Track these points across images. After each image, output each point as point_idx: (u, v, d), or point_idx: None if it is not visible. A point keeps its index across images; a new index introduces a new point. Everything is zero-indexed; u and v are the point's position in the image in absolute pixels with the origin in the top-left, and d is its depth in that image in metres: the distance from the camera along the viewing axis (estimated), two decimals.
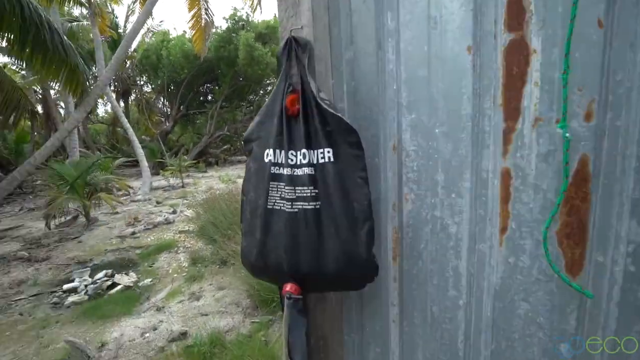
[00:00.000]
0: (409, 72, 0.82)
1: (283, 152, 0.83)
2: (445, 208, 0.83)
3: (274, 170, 0.84)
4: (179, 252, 4.68)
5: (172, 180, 10.30)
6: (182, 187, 9.69)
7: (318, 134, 0.81)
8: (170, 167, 10.35)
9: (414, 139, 0.84)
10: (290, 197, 0.81)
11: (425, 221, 0.87)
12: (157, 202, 7.76)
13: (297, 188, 0.81)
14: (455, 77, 0.76)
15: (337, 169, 0.80)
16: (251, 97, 16.02)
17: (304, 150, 0.81)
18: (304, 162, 0.81)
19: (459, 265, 0.84)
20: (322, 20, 0.89)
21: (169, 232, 5.52)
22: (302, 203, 0.80)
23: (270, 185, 0.84)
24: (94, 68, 12.16)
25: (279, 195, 0.83)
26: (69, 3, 7.81)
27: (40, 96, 13.27)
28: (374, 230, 0.82)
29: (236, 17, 13.13)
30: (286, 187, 0.82)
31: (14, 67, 13.76)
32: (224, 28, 13.51)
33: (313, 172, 0.80)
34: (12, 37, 5.46)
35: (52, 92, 12.75)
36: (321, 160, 0.81)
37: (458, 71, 0.75)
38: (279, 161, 0.84)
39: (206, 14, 8.40)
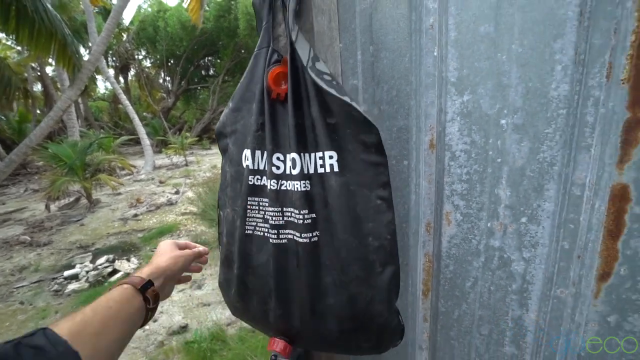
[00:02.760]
0: (462, 28, 0.52)
1: (265, 154, 0.56)
2: (509, 237, 0.56)
3: (252, 180, 0.57)
4: (181, 235, 4.54)
5: (175, 159, 10.11)
6: (186, 165, 9.51)
7: (316, 129, 0.53)
8: (173, 145, 10.12)
9: (465, 134, 0.56)
10: (277, 221, 0.55)
11: (476, 252, 0.60)
12: (160, 182, 7.60)
13: (285, 209, 0.55)
14: (544, 33, 0.46)
15: (344, 184, 0.53)
16: None
17: (293, 155, 0.53)
18: (295, 172, 0.53)
19: (524, 316, 0.58)
20: None
21: (172, 214, 5.37)
22: (292, 232, 0.54)
23: (249, 202, 0.58)
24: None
25: (261, 216, 0.57)
26: None
27: (38, 73, 12.91)
28: (399, 277, 0.56)
29: None
30: (270, 207, 0.55)
31: (8, 43, 13.34)
32: None
33: (308, 188, 0.53)
34: None
35: (49, 69, 12.39)
36: (320, 170, 0.54)
37: (550, 23, 0.45)
38: (260, 167, 0.57)
39: None
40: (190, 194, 6.13)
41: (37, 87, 14.24)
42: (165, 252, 0.61)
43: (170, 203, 5.93)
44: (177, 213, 5.40)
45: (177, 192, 6.54)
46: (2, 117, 12.51)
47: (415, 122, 0.60)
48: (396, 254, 0.55)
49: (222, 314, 2.71)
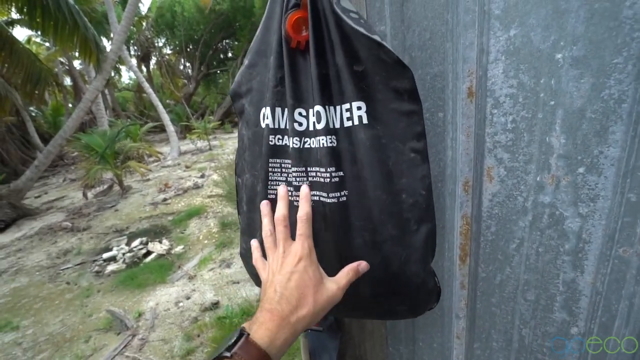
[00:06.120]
0: None
1: (286, 111, 0.52)
2: (563, 191, 0.50)
3: (273, 140, 0.53)
4: (208, 217, 4.67)
5: (199, 143, 10.33)
6: (210, 149, 9.70)
7: (342, 79, 0.48)
8: (196, 130, 10.32)
9: (511, 75, 0.49)
10: (301, 183, 0.51)
11: (523, 210, 0.54)
12: (186, 167, 7.82)
13: (310, 169, 0.50)
14: None
15: (374, 137, 0.48)
16: None
17: (317, 108, 0.48)
18: (319, 126, 0.49)
19: (578, 279, 0.53)
20: None
21: (198, 197, 5.53)
22: (318, 193, 0.50)
23: (270, 165, 0.53)
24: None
25: (284, 179, 0.54)
26: None
27: (67, 68, 13.41)
28: (435, 235, 0.52)
29: None
30: (293, 168, 0.52)
31: (38, 40, 13.89)
32: None
33: (334, 143, 0.49)
34: (19, 5, 5.29)
35: (77, 62, 12.81)
36: (347, 123, 0.48)
37: None
38: (281, 126, 0.53)
39: None
40: (215, 177, 6.26)
41: (67, 82, 14.85)
42: (307, 295, 0.41)
43: (197, 186, 6.10)
44: (204, 196, 5.55)
45: (202, 176, 6.70)
46: (39, 112, 13.20)
47: (452, 68, 0.54)
48: (432, 210, 0.50)
49: (251, 290, 2.79)
